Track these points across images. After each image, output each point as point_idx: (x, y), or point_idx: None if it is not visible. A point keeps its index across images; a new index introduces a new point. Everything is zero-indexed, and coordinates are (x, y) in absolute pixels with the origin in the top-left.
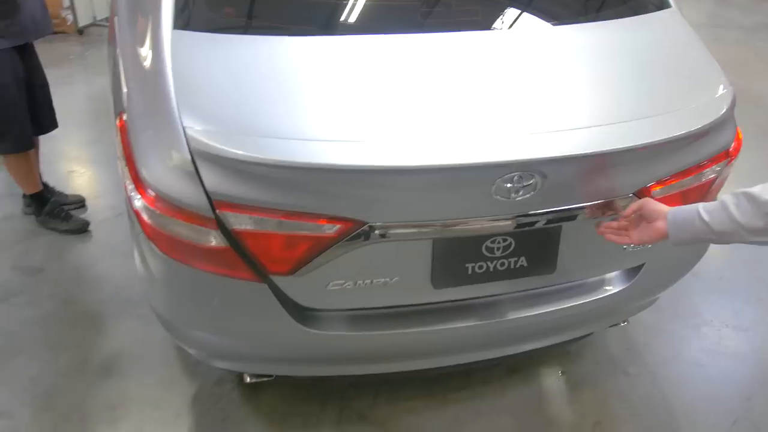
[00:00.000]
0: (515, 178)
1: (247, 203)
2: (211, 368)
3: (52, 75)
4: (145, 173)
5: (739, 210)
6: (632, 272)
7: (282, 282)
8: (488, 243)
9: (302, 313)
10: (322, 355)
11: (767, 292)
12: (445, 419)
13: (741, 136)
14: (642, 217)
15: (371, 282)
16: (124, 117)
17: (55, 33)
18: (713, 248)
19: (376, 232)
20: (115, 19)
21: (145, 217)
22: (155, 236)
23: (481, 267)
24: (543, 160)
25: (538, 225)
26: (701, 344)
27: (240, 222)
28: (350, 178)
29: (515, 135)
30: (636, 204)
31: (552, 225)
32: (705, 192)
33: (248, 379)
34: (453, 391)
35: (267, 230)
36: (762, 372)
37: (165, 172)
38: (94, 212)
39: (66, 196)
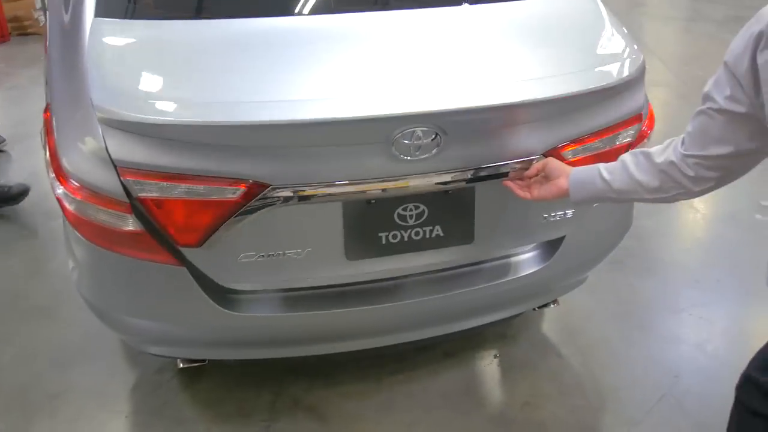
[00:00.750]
0: (415, 134)
1: (150, 169)
2: (153, 357)
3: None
4: (64, 161)
5: (638, 168)
6: (552, 248)
7: (195, 257)
8: (400, 210)
9: (222, 296)
10: (246, 338)
11: (705, 275)
12: (378, 402)
13: (653, 113)
14: (546, 177)
15: (283, 254)
16: (49, 109)
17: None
18: (651, 229)
19: (281, 194)
20: (47, 13)
21: (66, 204)
22: (77, 222)
23: (395, 236)
24: (439, 113)
25: (449, 187)
26: (635, 326)
27: (144, 189)
28: (246, 135)
29: (412, 89)
30: (540, 163)
31: (463, 188)
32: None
33: (181, 364)
34: (387, 375)
35: (171, 196)
36: (693, 352)
37: (82, 159)
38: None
39: (9, 187)
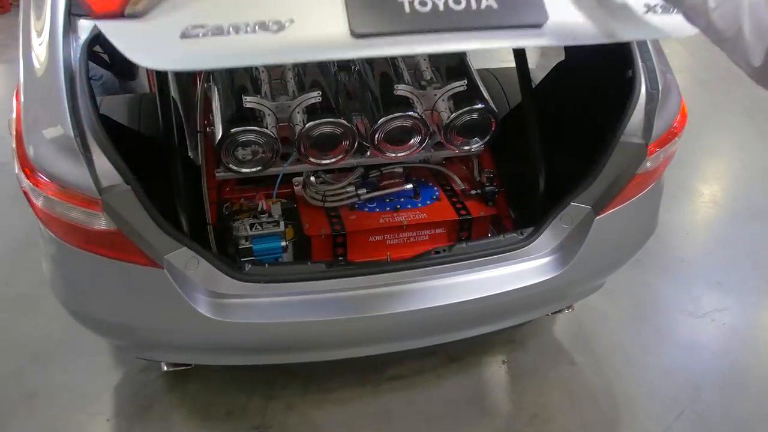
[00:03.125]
0: None
1: None
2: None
3: None
4: (30, 151)
5: None
6: (569, 253)
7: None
8: None
9: (205, 300)
10: (232, 344)
11: (728, 276)
12: (375, 410)
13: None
14: None
15: (254, 28)
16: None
17: None
18: (671, 224)
19: None
20: None
21: (33, 198)
22: (46, 219)
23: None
24: None
25: None
26: (653, 331)
27: None
28: None
29: None
30: None
31: None
32: None
33: (165, 368)
34: (386, 380)
35: None
36: (715, 361)
37: (49, 150)
38: None
39: None
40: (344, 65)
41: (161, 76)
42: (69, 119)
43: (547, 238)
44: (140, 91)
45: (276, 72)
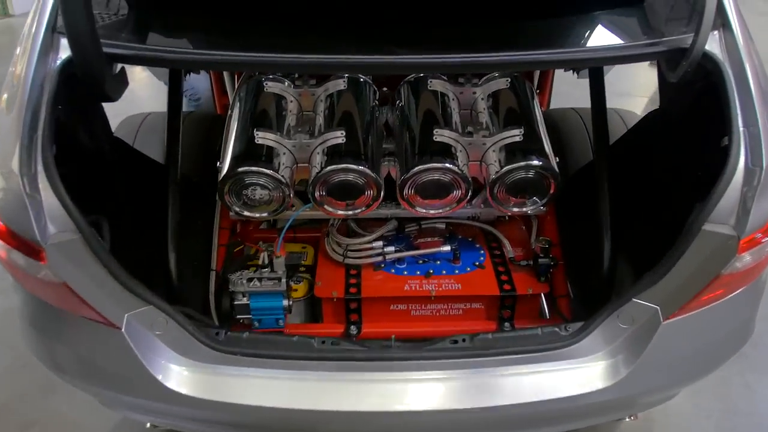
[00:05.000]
0: None
1: None
2: None
3: None
4: None
5: None
6: (626, 362)
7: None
8: None
9: (172, 368)
10: (203, 420)
11: None
12: None
13: None
14: None
15: None
16: None
17: None
18: None
19: None
20: None
21: None
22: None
23: None
24: None
25: None
26: None
27: None
28: None
29: None
30: None
31: None
32: None
33: (148, 425)
34: None
35: None
36: None
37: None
38: None
39: None
40: (386, 97)
41: (171, 92)
42: (18, 155)
43: (599, 339)
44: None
45: (308, 102)
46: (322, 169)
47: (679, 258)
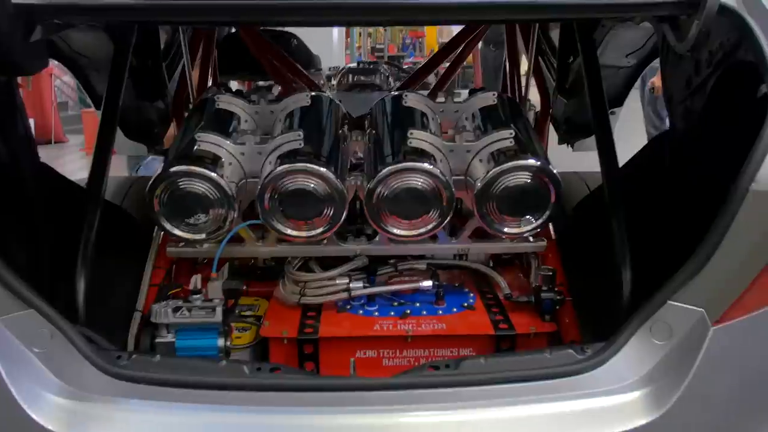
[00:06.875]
0: None
1: None
2: None
3: None
4: None
5: None
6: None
7: None
8: None
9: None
10: None
11: None
12: None
13: None
14: None
15: None
16: None
17: None
18: None
19: None
20: None
21: None
22: None
23: None
24: None
25: None
26: None
27: None
28: None
29: None
30: None
31: None
32: None
33: None
34: None
35: None
36: None
37: None
38: None
39: None
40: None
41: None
42: None
43: (629, 360)
44: None
45: (266, 121)
46: (274, 169)
47: (724, 234)
